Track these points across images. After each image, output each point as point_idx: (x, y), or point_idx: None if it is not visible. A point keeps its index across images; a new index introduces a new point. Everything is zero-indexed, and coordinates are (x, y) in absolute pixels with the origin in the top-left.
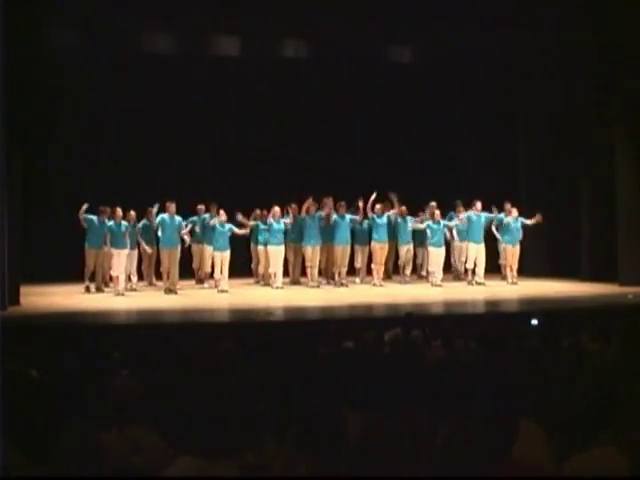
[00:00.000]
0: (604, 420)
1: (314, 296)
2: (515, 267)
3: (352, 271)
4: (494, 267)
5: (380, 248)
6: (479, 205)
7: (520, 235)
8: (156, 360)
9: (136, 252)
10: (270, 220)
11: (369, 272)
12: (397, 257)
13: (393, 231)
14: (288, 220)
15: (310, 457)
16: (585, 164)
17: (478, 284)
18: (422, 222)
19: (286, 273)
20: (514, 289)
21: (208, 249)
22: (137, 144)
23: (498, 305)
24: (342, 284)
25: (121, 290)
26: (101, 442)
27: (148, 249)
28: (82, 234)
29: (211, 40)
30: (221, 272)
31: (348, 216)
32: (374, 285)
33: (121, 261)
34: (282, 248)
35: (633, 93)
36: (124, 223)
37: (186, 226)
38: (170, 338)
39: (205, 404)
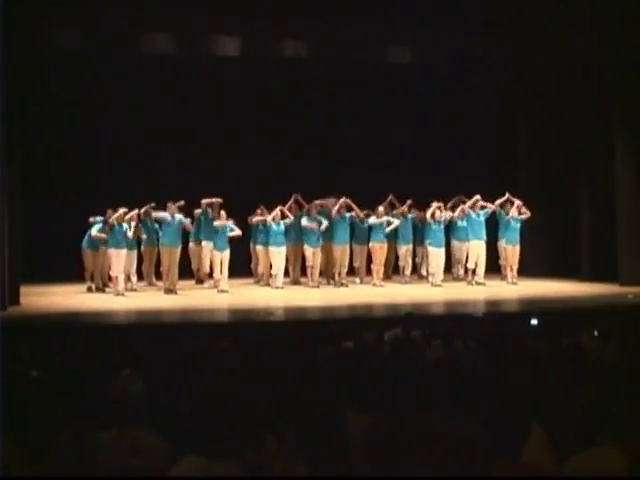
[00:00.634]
0: (604, 420)
1: (314, 296)
2: (515, 267)
3: (352, 271)
4: (494, 267)
5: (379, 248)
6: (479, 202)
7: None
8: (156, 360)
9: (136, 252)
10: (270, 223)
11: (369, 272)
12: (397, 258)
13: (395, 231)
14: (288, 220)
15: (310, 457)
16: (585, 164)
17: (478, 284)
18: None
19: (286, 273)
20: (514, 289)
21: (207, 248)
22: (137, 144)
23: (498, 305)
24: (342, 284)
25: (121, 290)
26: (101, 442)
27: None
28: (82, 234)
29: (211, 40)
30: (221, 272)
31: (348, 215)
32: (374, 285)
33: (120, 261)
34: (283, 249)
35: (633, 93)
36: (125, 225)
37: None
38: (170, 338)
39: (205, 404)
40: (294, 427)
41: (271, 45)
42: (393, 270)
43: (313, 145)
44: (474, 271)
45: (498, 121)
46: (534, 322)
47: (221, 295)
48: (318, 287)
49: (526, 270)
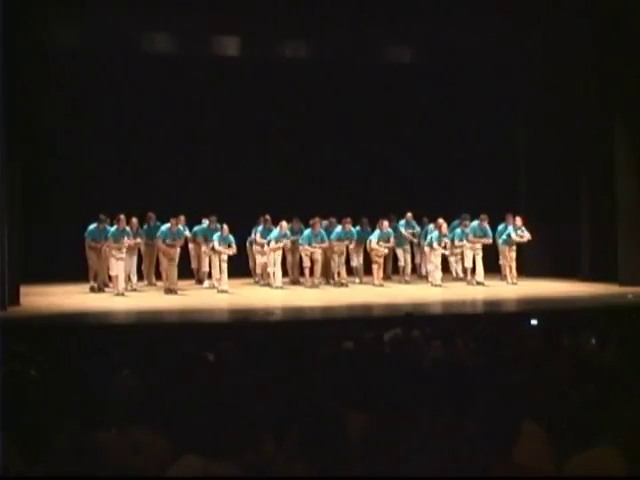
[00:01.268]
0: (603, 420)
1: (314, 296)
2: (513, 265)
3: (351, 271)
4: (494, 267)
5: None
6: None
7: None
8: (156, 360)
9: (136, 252)
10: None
11: (369, 272)
12: (397, 259)
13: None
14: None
15: (310, 457)
16: (585, 164)
17: (478, 284)
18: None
19: (285, 273)
20: (514, 289)
21: (206, 248)
22: (137, 144)
23: (498, 305)
24: (342, 284)
25: (121, 290)
26: (101, 442)
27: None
28: (82, 234)
29: (211, 40)
30: (220, 272)
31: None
32: (374, 285)
33: (120, 261)
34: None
35: (633, 93)
36: (127, 229)
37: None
38: (170, 338)
39: (205, 404)
40: (294, 427)
41: (271, 45)
42: (393, 270)
43: (312, 145)
44: (473, 270)
45: (498, 121)
46: (534, 322)
47: (221, 295)
48: (318, 287)
49: (526, 270)
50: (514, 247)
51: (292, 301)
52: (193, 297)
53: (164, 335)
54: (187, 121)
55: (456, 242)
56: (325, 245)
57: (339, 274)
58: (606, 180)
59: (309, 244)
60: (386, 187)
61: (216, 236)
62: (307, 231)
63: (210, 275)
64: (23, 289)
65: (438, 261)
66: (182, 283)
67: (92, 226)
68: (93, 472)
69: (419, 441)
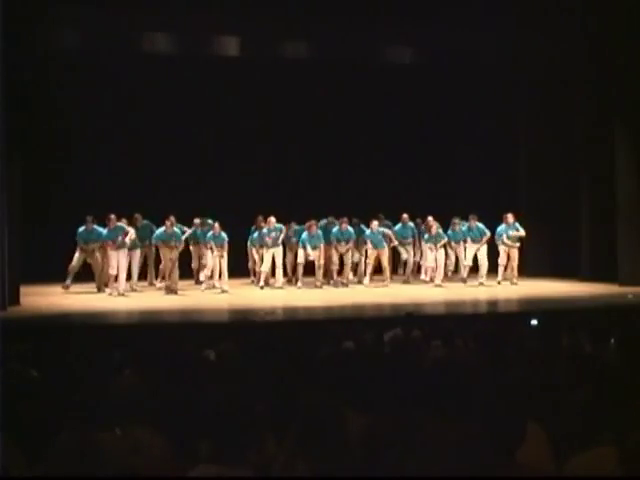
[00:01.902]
0: (604, 420)
1: (314, 296)
2: (515, 266)
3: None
4: (494, 267)
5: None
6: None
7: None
8: (156, 360)
9: (137, 252)
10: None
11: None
12: (397, 258)
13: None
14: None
15: (310, 457)
16: (585, 164)
17: (478, 284)
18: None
19: (286, 273)
20: (514, 289)
21: (206, 248)
22: (137, 144)
23: (498, 305)
24: (342, 284)
25: (121, 290)
26: (101, 442)
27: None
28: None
29: (211, 40)
30: (220, 272)
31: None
32: (375, 285)
33: (120, 261)
34: (279, 248)
35: (633, 93)
36: (121, 224)
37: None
38: (170, 338)
39: (205, 404)
40: (294, 427)
41: (271, 45)
42: (393, 270)
43: (312, 145)
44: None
45: (498, 121)
46: (534, 322)
47: (221, 295)
48: (321, 287)
49: (526, 270)
50: (516, 245)
51: (292, 301)
52: (193, 297)
53: (164, 335)
54: (187, 121)
55: (452, 244)
56: (322, 246)
57: (339, 274)
58: (606, 180)
59: (307, 245)
60: (386, 187)
61: (209, 236)
62: (304, 234)
63: (211, 275)
64: (23, 289)
65: (441, 260)
66: (182, 283)
67: (81, 228)
68: (93, 472)
69: (419, 441)
